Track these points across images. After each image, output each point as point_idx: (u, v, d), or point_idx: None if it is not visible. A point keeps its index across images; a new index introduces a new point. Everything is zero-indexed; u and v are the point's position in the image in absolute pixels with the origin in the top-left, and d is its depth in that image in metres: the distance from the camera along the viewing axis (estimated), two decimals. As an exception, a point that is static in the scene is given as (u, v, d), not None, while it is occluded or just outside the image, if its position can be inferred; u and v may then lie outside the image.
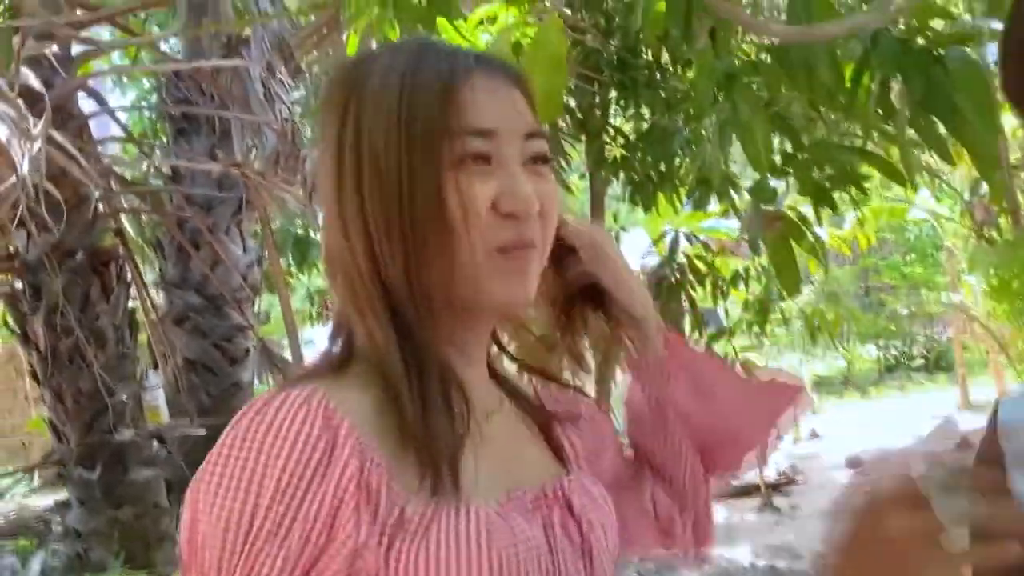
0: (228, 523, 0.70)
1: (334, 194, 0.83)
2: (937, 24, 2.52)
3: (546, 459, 0.92)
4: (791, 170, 2.83)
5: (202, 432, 4.62)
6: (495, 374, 0.94)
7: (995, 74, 2.42)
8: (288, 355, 5.32)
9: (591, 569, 0.85)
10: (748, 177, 4.83)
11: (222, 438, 0.73)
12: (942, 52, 2.32)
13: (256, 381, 5.67)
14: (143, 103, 9.28)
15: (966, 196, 7.09)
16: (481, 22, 3.07)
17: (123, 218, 5.12)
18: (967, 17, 2.57)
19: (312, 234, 7.96)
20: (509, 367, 0.98)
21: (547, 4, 2.78)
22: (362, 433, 0.73)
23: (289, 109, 5.27)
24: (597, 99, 4.10)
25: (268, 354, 5.05)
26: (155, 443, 4.94)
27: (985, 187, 6.51)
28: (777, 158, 2.83)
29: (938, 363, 11.91)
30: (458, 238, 0.78)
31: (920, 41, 2.34)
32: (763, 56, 2.61)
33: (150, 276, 5.56)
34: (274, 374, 5.04)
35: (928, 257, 11.85)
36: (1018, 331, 6.71)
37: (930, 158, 4.38)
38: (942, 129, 2.30)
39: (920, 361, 12.19)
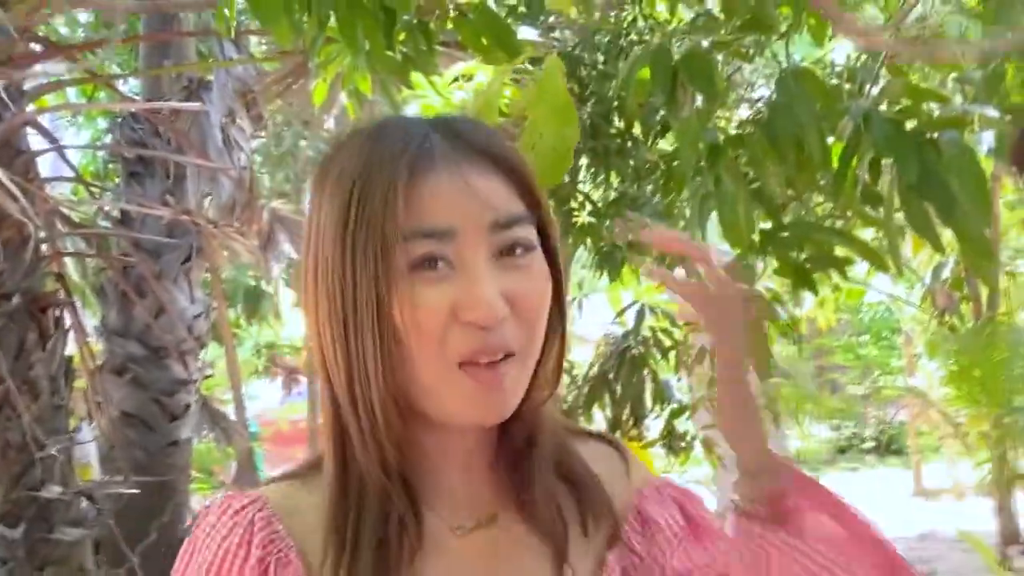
0: None
1: (303, 304, 0.79)
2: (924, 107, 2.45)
3: (540, 571, 0.80)
4: (769, 249, 2.73)
5: (135, 491, 4.39)
6: (516, 475, 0.83)
7: (989, 160, 2.34)
8: (231, 410, 5.12)
9: None
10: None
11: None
12: (935, 136, 2.24)
13: (195, 439, 5.45)
14: (98, 143, 9.10)
15: (926, 280, 7.11)
16: (456, 79, 2.96)
17: (67, 261, 4.90)
18: (959, 100, 2.50)
19: (263, 285, 7.77)
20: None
21: (528, 66, 2.69)
22: (286, 537, 0.78)
23: (248, 157, 5.13)
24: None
25: (210, 411, 4.84)
26: (84, 501, 4.68)
27: (948, 272, 6.53)
28: (755, 236, 2.73)
29: (889, 446, 11.95)
30: (411, 353, 0.73)
31: (911, 124, 2.27)
32: (747, 129, 2.54)
33: (91, 323, 5.33)
34: (215, 432, 4.83)
35: (883, 340, 11.94)
36: (974, 419, 6.69)
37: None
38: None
39: (872, 444, 12.23)
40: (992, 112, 2.26)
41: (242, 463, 4.99)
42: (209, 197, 5.17)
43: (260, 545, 0.77)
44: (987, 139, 2.29)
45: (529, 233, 0.76)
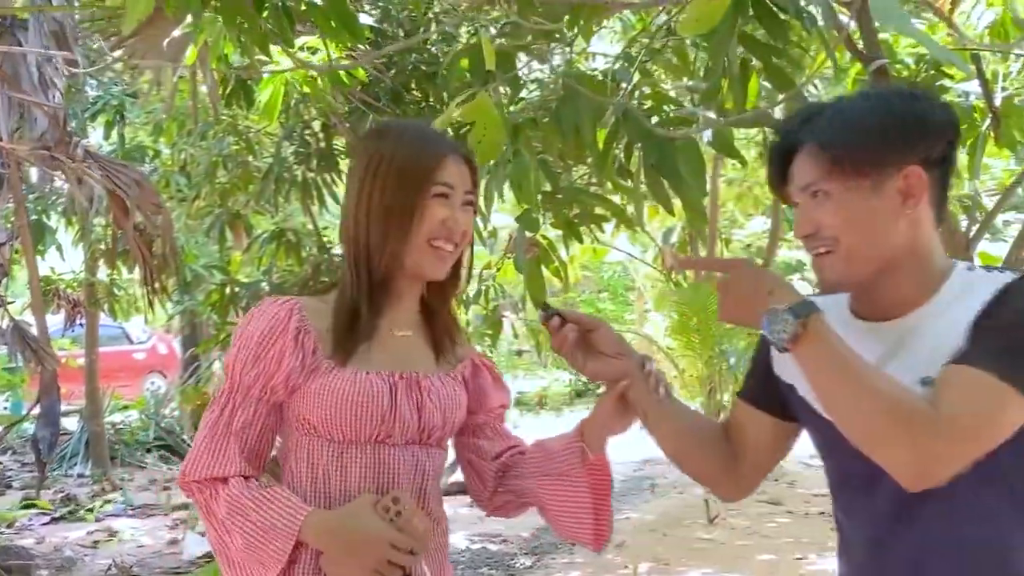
0: (237, 353, 1.49)
1: (355, 202, 1.53)
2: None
3: (426, 361, 1.59)
4: (548, 205, 3.52)
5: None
6: (429, 314, 1.61)
7: (708, 148, 3.22)
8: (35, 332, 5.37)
9: (419, 417, 1.52)
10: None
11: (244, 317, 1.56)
12: (671, 129, 3.08)
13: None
14: None
15: (659, 242, 8.27)
16: (302, 48, 3.55)
17: None
18: (689, 105, 3.36)
19: (46, 219, 7.77)
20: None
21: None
22: (309, 321, 1.49)
23: (62, 96, 5.38)
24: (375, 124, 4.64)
25: (21, 332, 5.10)
26: None
27: (675, 236, 7.67)
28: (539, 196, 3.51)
29: (620, 391, 13.28)
30: (415, 234, 1.50)
31: (655, 119, 3.10)
32: (540, 115, 3.31)
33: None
34: (25, 353, 5.10)
35: (619, 296, 13.27)
36: (692, 363, 7.88)
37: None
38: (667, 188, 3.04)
39: (605, 388, 13.51)
40: (711, 114, 3.14)
41: (46, 383, 5.25)
42: (19, 131, 5.37)
43: (296, 321, 1.49)
44: (707, 134, 3.15)
45: (475, 198, 1.57)
